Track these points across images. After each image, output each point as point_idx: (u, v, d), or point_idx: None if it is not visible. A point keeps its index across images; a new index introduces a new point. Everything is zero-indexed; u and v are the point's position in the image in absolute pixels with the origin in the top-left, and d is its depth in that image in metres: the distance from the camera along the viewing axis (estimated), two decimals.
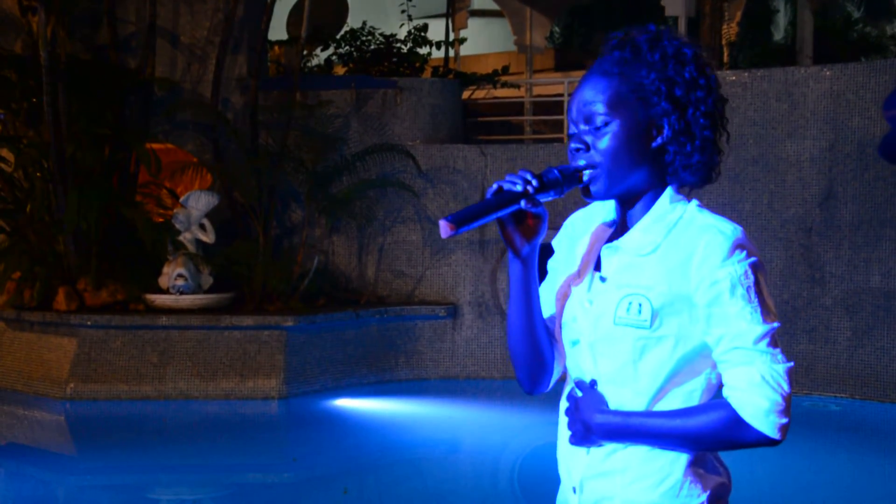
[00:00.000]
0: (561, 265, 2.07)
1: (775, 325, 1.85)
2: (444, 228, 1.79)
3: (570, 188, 1.92)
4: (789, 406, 1.82)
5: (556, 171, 1.91)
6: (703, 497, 1.91)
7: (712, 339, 1.86)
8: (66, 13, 9.46)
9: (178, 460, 7.34)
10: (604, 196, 1.94)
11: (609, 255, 1.96)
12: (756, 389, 1.81)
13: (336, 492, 6.46)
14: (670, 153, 1.93)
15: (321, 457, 7.42)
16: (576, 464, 1.99)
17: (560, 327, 2.03)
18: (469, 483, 6.92)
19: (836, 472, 7.24)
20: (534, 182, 1.87)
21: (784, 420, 1.82)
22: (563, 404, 2.02)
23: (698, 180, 1.96)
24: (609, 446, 1.94)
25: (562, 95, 11.72)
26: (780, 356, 1.83)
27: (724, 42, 13.06)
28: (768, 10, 19.21)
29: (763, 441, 1.84)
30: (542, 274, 2.08)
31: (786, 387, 1.82)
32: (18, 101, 9.41)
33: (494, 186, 1.87)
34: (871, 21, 18.32)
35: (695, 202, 1.95)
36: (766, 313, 1.84)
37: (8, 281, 9.32)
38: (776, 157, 8.97)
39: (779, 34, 19.10)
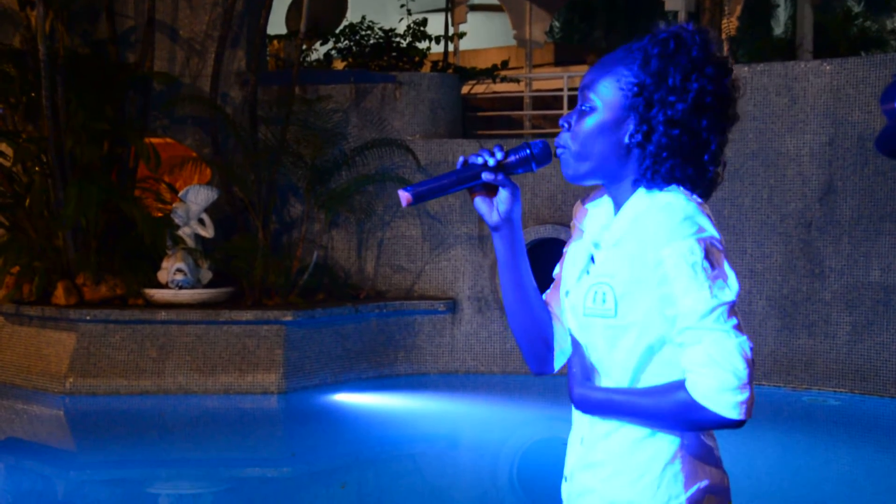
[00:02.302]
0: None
1: (726, 299, 1.75)
2: (403, 200, 1.87)
3: (541, 165, 1.94)
4: (747, 382, 1.73)
5: (526, 148, 1.93)
6: (683, 498, 1.85)
7: (668, 323, 1.80)
8: (65, 7, 9.44)
9: (177, 455, 7.34)
10: (572, 178, 1.94)
11: (595, 250, 1.96)
12: (704, 370, 1.74)
13: (335, 486, 6.46)
14: (638, 156, 1.89)
15: (320, 451, 7.42)
16: (571, 454, 2.00)
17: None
18: (468, 478, 6.92)
19: (836, 467, 7.24)
20: (497, 155, 1.91)
21: (740, 397, 1.72)
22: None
23: (663, 188, 1.87)
24: (595, 434, 1.93)
25: (561, 90, 11.71)
26: (731, 331, 1.74)
27: (723, 36, 13.05)
28: (768, 4, 19.21)
29: (722, 423, 1.75)
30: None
31: (738, 363, 1.72)
32: (17, 95, 9.40)
33: (461, 159, 1.92)
34: (871, 15, 18.30)
35: (673, 188, 1.87)
36: (714, 287, 1.75)
37: (7, 275, 9.32)
38: (776, 152, 8.96)
39: (779, 29, 19.09)
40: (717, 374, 1.73)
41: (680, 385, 1.78)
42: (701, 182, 1.88)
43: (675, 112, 1.84)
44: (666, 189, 1.87)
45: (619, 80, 1.89)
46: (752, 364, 1.75)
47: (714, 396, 1.73)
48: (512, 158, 1.93)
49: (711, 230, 1.80)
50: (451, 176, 1.91)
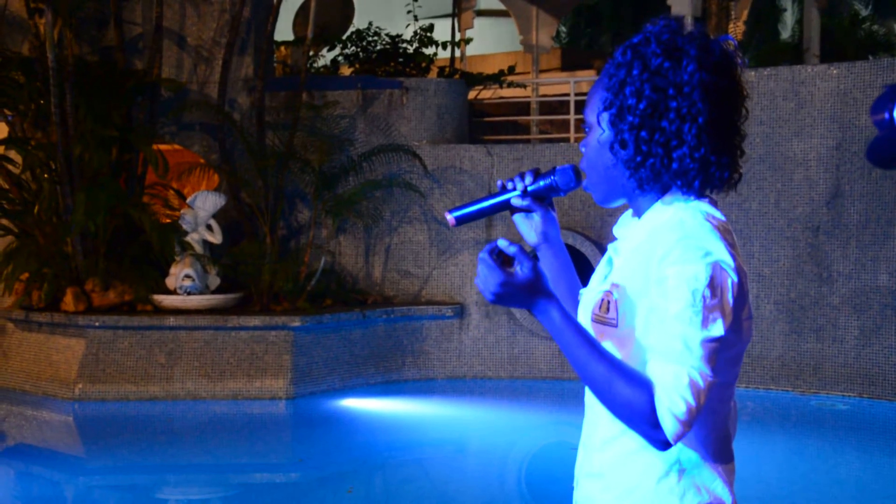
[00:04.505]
0: None
1: (717, 334, 1.73)
2: (451, 221, 2.03)
3: (568, 191, 2.01)
4: (695, 419, 1.73)
5: (552, 175, 2.00)
6: None
7: (651, 330, 1.77)
8: (73, 15, 9.49)
9: (186, 460, 7.35)
10: (599, 203, 1.98)
11: (615, 256, 1.96)
12: (680, 390, 1.71)
13: (342, 491, 6.47)
14: (622, 165, 1.89)
15: (328, 457, 7.43)
16: (578, 460, 2.00)
17: None
18: (476, 483, 6.92)
19: (845, 471, 7.23)
20: (527, 180, 2.01)
21: (686, 430, 1.72)
22: (587, 397, 1.98)
23: (689, 196, 1.87)
24: (593, 444, 1.93)
25: (568, 95, 11.71)
26: (709, 372, 1.72)
27: None
28: (775, 8, 19.20)
29: (657, 441, 1.74)
30: None
31: (703, 400, 1.72)
32: (26, 102, 9.44)
33: (499, 183, 2.04)
34: (878, 19, 18.28)
35: (694, 201, 1.87)
36: (708, 319, 1.72)
37: (16, 282, 9.35)
38: (783, 156, 8.96)
39: (786, 32, 19.07)
40: (685, 404, 1.71)
41: (646, 385, 1.73)
42: (690, 175, 1.85)
43: (636, 115, 1.83)
44: (686, 200, 1.86)
45: (602, 96, 1.91)
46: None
47: (672, 420, 1.71)
48: (539, 185, 2.01)
49: (722, 254, 1.77)
50: (488, 200, 2.04)
